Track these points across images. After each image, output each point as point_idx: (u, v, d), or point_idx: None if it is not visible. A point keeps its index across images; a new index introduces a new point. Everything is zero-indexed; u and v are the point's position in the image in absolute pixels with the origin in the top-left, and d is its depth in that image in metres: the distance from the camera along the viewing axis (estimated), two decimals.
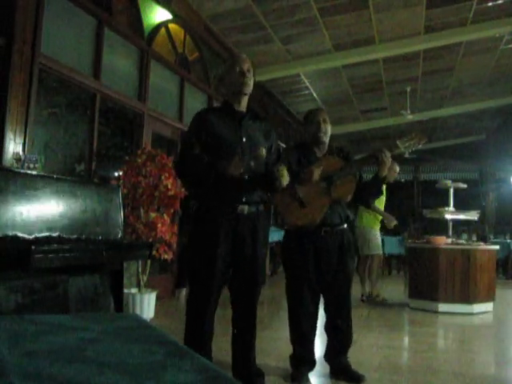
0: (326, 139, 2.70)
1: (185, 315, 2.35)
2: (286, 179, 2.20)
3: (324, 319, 2.77)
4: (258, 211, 2.34)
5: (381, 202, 5.21)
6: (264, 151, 2.24)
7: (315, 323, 2.73)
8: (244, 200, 2.27)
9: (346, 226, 2.72)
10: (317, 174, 2.51)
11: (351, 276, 2.75)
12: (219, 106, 2.49)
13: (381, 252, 5.59)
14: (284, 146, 7.26)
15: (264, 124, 2.46)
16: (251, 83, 2.35)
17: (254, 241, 2.32)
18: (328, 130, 2.70)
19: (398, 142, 2.53)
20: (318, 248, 2.62)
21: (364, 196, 2.76)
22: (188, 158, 2.28)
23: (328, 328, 2.76)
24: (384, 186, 4.95)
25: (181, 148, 2.41)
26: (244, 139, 2.30)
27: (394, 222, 5.28)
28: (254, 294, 2.38)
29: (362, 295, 5.48)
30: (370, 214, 5.29)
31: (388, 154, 2.51)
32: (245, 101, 2.38)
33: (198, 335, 2.29)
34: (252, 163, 2.22)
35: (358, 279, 5.38)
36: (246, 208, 2.28)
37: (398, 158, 2.62)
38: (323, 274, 2.64)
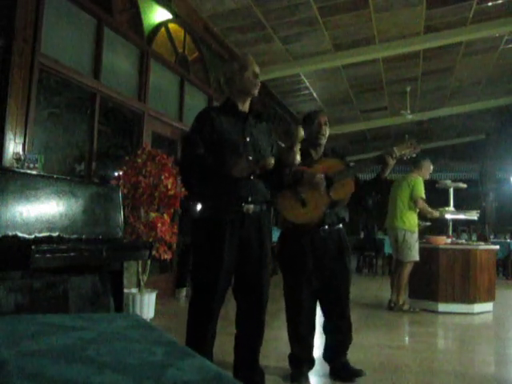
0: (324, 141, 2.72)
1: (187, 319, 2.30)
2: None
3: (322, 319, 2.78)
4: (261, 210, 2.33)
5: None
6: (272, 160, 2.20)
7: (314, 323, 2.73)
8: (250, 199, 2.26)
9: (341, 225, 2.73)
10: (319, 178, 2.52)
11: (350, 276, 2.76)
12: (222, 105, 2.46)
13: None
14: (283, 145, 7.25)
15: (265, 124, 2.47)
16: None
17: (260, 240, 2.32)
18: (327, 133, 2.71)
19: (394, 149, 2.56)
20: (316, 248, 2.63)
21: (364, 197, 2.77)
22: (192, 158, 2.25)
23: (327, 328, 2.76)
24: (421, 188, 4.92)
25: (183, 147, 2.38)
26: (248, 139, 2.30)
27: (436, 215, 5.12)
28: (262, 293, 2.35)
29: (390, 302, 5.05)
30: (413, 216, 4.96)
31: (395, 157, 2.54)
32: (248, 101, 2.39)
33: (201, 340, 2.25)
34: (257, 171, 2.20)
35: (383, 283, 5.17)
36: (251, 207, 2.26)
37: (398, 159, 2.64)
38: (322, 273, 2.65)
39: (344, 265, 2.70)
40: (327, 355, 2.77)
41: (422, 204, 4.96)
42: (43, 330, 1.29)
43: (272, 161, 2.19)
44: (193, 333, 2.28)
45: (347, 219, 2.79)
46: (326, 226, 2.64)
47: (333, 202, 2.59)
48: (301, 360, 2.68)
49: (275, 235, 2.82)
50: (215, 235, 2.22)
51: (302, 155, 2.69)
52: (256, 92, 2.35)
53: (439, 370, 2.94)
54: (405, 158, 2.62)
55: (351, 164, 2.73)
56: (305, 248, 2.62)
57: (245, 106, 2.38)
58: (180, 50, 5.80)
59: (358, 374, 2.63)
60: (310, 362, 2.72)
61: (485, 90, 9.54)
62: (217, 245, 2.21)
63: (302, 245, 2.63)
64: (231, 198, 2.24)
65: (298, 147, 2.24)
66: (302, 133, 2.23)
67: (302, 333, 2.68)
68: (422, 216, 5.10)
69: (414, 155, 2.61)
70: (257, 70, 2.34)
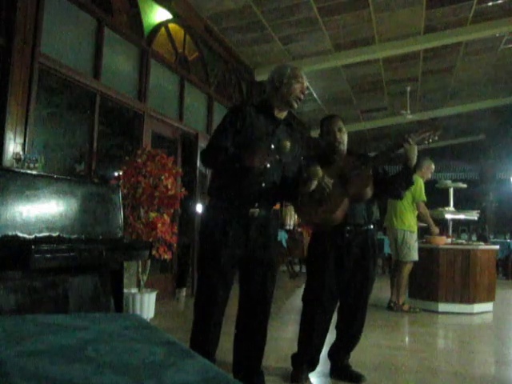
0: (343, 147, 2.67)
1: (193, 318, 2.34)
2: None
3: (336, 317, 2.75)
4: (268, 214, 2.33)
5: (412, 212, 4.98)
6: (288, 145, 2.18)
7: (328, 328, 2.70)
8: (256, 205, 2.26)
9: (371, 226, 2.67)
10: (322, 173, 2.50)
11: (373, 279, 2.72)
12: (258, 104, 2.43)
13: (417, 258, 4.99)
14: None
15: (293, 135, 2.45)
16: None
17: (266, 243, 2.32)
18: (344, 139, 2.67)
19: (411, 135, 2.43)
20: (340, 248, 2.58)
21: (394, 189, 2.65)
22: (214, 148, 2.25)
23: (340, 327, 2.74)
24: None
25: (212, 136, 2.35)
26: (273, 146, 2.29)
27: (436, 231, 5.11)
28: (267, 295, 2.36)
29: (390, 302, 5.05)
30: (412, 216, 4.95)
31: (411, 142, 2.41)
32: (285, 114, 2.41)
33: (204, 337, 2.28)
34: (276, 156, 2.21)
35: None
36: (256, 211, 2.27)
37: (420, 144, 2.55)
38: (344, 274, 2.61)
39: (366, 269, 2.64)
40: (332, 353, 2.76)
41: (425, 210, 4.96)
42: (43, 330, 1.29)
43: (288, 145, 2.17)
44: (198, 330, 2.30)
45: (376, 217, 2.71)
46: (352, 227, 2.58)
47: (353, 199, 2.51)
48: (304, 360, 2.67)
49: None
50: (219, 234, 2.24)
51: (325, 161, 2.63)
52: (295, 107, 2.36)
53: (439, 370, 2.93)
54: (426, 143, 2.47)
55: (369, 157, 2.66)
56: (327, 249, 2.58)
57: (280, 115, 2.38)
58: (180, 50, 5.80)
59: (358, 378, 2.62)
60: (313, 363, 2.71)
61: (485, 90, 9.54)
62: (220, 244, 2.23)
63: (326, 246, 2.59)
64: (238, 200, 2.24)
65: (315, 183, 2.25)
66: (320, 173, 2.22)
67: (314, 335, 2.64)
68: (420, 219, 5.10)
69: (436, 138, 2.47)
70: (305, 87, 2.36)
